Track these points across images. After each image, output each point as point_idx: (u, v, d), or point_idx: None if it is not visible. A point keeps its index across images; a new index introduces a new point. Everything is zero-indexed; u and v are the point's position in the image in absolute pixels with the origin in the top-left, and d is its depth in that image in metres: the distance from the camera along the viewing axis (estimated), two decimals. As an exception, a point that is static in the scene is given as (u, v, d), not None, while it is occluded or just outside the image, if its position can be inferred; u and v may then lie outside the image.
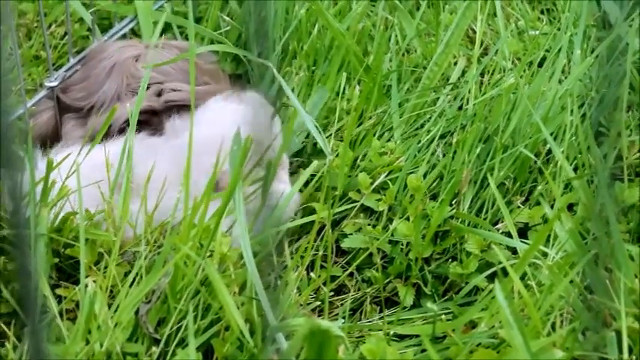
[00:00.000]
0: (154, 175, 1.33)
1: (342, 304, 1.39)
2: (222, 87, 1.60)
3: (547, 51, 1.77)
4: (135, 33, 1.80)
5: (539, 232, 1.25)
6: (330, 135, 1.58)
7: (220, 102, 1.52)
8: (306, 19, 1.75)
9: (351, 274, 1.43)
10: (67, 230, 1.30)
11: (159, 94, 1.54)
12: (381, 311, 1.39)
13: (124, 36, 1.76)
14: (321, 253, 1.39)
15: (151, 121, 1.53)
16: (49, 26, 1.93)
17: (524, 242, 1.35)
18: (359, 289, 1.42)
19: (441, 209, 1.41)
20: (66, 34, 1.88)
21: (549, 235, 1.32)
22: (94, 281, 1.23)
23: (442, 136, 1.58)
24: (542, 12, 2.04)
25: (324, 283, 1.34)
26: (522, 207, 1.47)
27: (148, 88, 1.51)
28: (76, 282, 1.26)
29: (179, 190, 1.30)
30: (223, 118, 1.45)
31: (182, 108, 1.53)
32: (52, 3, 1.95)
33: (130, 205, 1.33)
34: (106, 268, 1.27)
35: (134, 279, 1.24)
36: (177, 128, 1.50)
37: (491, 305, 1.21)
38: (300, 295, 1.33)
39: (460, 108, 1.64)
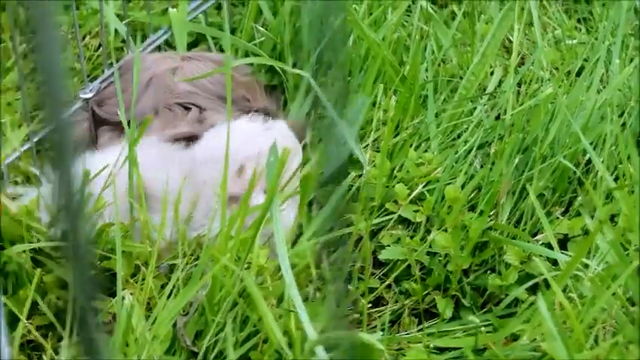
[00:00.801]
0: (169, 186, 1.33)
1: (380, 317, 1.38)
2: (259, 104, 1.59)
3: (585, 60, 1.76)
4: (169, 44, 1.80)
5: (581, 244, 1.24)
6: (367, 146, 1.57)
7: (244, 122, 1.51)
8: (341, 29, 1.74)
9: (388, 286, 1.41)
10: (103, 242, 1.30)
11: (200, 121, 1.52)
12: (419, 323, 1.37)
13: (158, 47, 1.75)
14: (358, 265, 1.38)
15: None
16: (83, 38, 1.92)
17: (564, 254, 1.34)
18: (397, 301, 1.41)
19: (479, 220, 1.39)
20: (100, 45, 1.88)
21: (590, 247, 1.30)
22: (131, 294, 1.23)
23: (480, 147, 1.57)
24: (578, 21, 2.02)
25: (362, 295, 1.33)
26: (562, 218, 1.45)
27: (186, 108, 1.51)
28: (113, 294, 1.26)
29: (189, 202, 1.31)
30: (240, 136, 1.45)
31: None
32: (86, 14, 1.95)
33: (154, 216, 1.32)
34: (143, 280, 1.26)
35: (171, 291, 1.24)
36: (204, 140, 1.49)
37: (533, 318, 1.19)
38: (338, 307, 1.31)
39: (497, 118, 1.63)
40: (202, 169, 1.38)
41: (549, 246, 1.35)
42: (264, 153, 1.30)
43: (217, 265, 1.16)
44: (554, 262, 1.36)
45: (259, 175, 1.27)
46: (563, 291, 1.19)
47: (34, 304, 1.25)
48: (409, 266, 1.40)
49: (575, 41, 1.85)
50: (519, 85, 1.73)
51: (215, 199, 1.32)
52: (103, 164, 1.33)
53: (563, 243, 1.41)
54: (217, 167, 1.31)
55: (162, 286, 1.28)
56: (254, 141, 1.42)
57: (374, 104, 1.65)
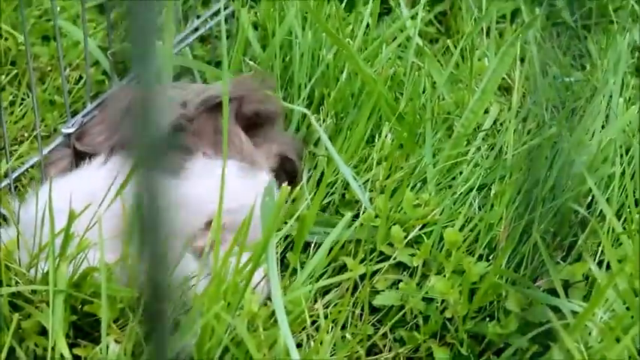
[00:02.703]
0: None
1: (374, 366, 1.33)
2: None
3: (580, 98, 1.71)
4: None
5: (595, 295, 1.18)
6: (361, 186, 1.52)
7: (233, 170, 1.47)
8: (334, 64, 1.69)
9: (383, 334, 1.35)
10: (87, 286, 1.24)
11: (185, 104, 1.49)
12: (416, 373, 1.32)
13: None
14: (348, 309, 1.33)
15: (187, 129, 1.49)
16: (64, 69, 1.87)
17: (570, 301, 1.28)
18: (391, 349, 1.35)
19: (478, 265, 1.34)
20: (81, 78, 1.82)
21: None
22: (116, 340, 1.17)
23: (479, 188, 1.52)
24: (574, 58, 1.98)
25: (358, 343, 1.28)
26: (562, 263, 1.40)
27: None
28: (95, 340, 1.21)
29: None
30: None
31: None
32: (66, 46, 1.89)
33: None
34: (127, 325, 1.20)
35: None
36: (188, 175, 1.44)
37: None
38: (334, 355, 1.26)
39: (496, 157, 1.58)
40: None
41: (549, 292, 1.30)
42: (242, 207, 1.25)
43: (209, 312, 1.10)
44: (554, 309, 1.31)
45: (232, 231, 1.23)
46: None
47: (11, 350, 1.20)
48: (405, 312, 1.35)
49: (572, 79, 1.81)
50: (518, 123, 1.68)
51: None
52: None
53: (564, 289, 1.36)
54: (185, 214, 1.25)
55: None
56: (233, 192, 1.38)
57: (368, 142, 1.60)
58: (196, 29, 1.84)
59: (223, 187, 1.18)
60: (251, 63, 1.74)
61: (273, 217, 1.11)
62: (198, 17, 1.85)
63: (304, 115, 1.63)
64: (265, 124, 1.60)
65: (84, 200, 1.27)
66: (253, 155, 1.53)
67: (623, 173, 1.46)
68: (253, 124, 1.58)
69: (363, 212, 1.44)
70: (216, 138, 1.51)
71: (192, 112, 1.51)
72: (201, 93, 1.54)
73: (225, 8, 1.88)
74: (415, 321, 1.35)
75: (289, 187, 1.12)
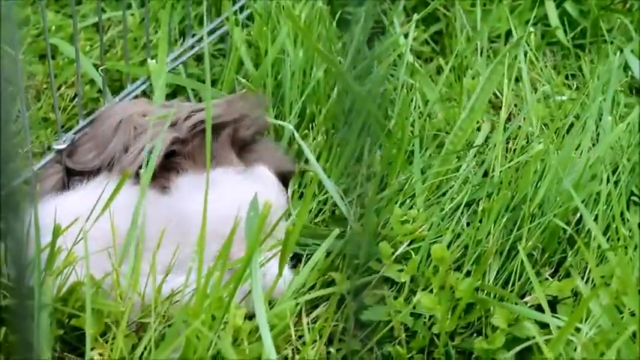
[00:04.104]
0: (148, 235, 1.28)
1: (361, 381, 1.32)
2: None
3: (575, 117, 1.72)
4: (147, 95, 1.75)
5: (574, 309, 1.18)
6: (351, 202, 1.52)
7: (231, 175, 1.47)
8: (325, 81, 1.70)
9: (370, 349, 1.35)
10: (73, 300, 1.24)
11: (174, 124, 1.49)
12: (402, 389, 1.32)
13: (135, 97, 1.70)
14: (336, 324, 1.33)
15: (180, 152, 1.50)
16: (59, 88, 1.88)
17: (555, 317, 1.28)
18: (379, 365, 1.35)
19: (466, 281, 1.34)
20: (76, 95, 1.83)
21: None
22: (100, 354, 1.17)
23: (467, 204, 1.52)
24: (567, 77, 1.99)
25: (344, 358, 1.28)
26: (551, 279, 1.41)
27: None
28: (82, 354, 1.20)
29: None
30: (229, 192, 1.40)
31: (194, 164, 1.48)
32: (62, 64, 1.91)
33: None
34: (113, 339, 1.20)
35: (142, 353, 1.18)
36: (182, 189, 1.45)
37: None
38: (318, 371, 1.26)
39: (485, 175, 1.58)
40: (187, 222, 1.33)
41: (538, 308, 1.30)
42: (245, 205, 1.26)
43: (191, 327, 1.10)
44: (542, 325, 1.31)
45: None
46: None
47: (-2, 365, 1.20)
48: (392, 328, 1.35)
49: (564, 97, 1.81)
50: (507, 141, 1.69)
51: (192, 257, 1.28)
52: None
53: (553, 305, 1.36)
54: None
55: (133, 347, 1.22)
56: (232, 194, 1.38)
57: (357, 159, 1.60)
58: (192, 47, 1.85)
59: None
60: (243, 81, 1.74)
61: (257, 232, 1.11)
62: (193, 36, 1.86)
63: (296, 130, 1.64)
64: (257, 142, 1.61)
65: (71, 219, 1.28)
66: None
67: (609, 193, 1.46)
68: (247, 145, 1.58)
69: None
70: (212, 161, 1.52)
71: (185, 134, 1.51)
72: (193, 113, 1.54)
73: (220, 27, 1.90)
74: (403, 336, 1.35)
75: (271, 201, 1.12)
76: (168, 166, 1.49)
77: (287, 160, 1.60)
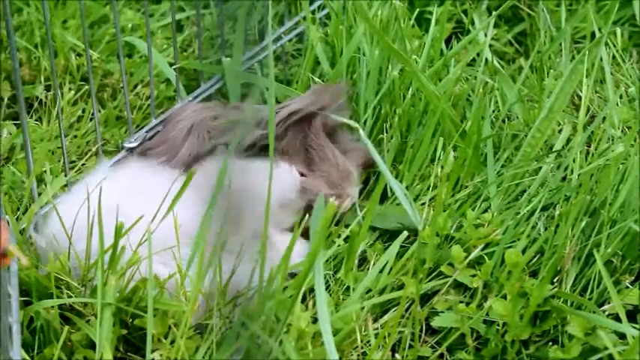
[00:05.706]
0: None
1: (430, 388, 1.30)
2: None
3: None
4: (223, 94, 1.74)
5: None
6: (424, 203, 1.49)
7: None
8: (400, 81, 1.67)
9: (441, 355, 1.33)
10: (137, 300, 1.23)
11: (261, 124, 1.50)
12: (473, 397, 1.29)
13: (209, 97, 1.69)
14: (407, 331, 1.29)
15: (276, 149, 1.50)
16: (135, 86, 1.88)
17: (634, 327, 1.24)
18: (449, 372, 1.32)
19: (541, 287, 1.30)
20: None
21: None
22: (162, 355, 1.16)
23: (544, 208, 1.48)
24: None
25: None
26: (631, 287, 1.36)
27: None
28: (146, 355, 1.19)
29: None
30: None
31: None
32: (139, 62, 1.90)
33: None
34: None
35: (205, 354, 1.16)
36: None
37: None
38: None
39: (564, 178, 1.54)
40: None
41: (617, 317, 1.25)
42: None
43: (250, 331, 1.08)
44: (622, 336, 1.26)
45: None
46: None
47: (61, 362, 1.20)
48: (463, 335, 1.32)
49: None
50: (588, 144, 1.64)
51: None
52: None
53: (633, 314, 1.32)
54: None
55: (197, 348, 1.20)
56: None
57: (432, 160, 1.57)
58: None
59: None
60: (318, 81, 1.72)
61: (322, 233, 1.08)
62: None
63: (370, 131, 1.62)
64: (341, 132, 1.59)
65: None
66: (348, 168, 1.52)
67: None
68: (333, 133, 1.57)
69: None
70: (307, 155, 1.51)
71: (277, 130, 1.50)
72: (279, 109, 1.53)
73: (296, 26, 1.88)
74: (474, 344, 1.32)
75: (336, 202, 1.09)
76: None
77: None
